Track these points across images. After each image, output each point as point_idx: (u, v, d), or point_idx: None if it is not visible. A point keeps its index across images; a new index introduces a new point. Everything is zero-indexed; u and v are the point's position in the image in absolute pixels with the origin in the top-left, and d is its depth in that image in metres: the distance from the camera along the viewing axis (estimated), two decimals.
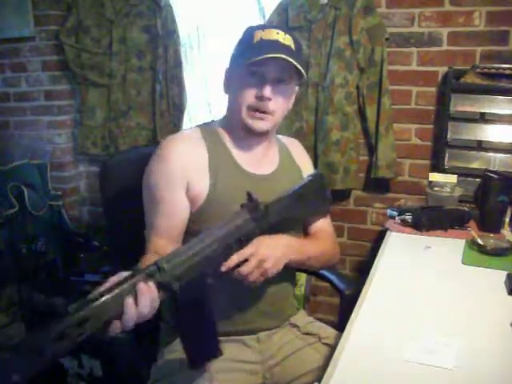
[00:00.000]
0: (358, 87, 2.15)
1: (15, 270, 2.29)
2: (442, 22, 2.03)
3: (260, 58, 1.12)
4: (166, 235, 1.16)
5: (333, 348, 1.17)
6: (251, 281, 1.06)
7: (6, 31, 2.50)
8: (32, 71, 2.55)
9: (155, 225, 1.17)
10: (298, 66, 1.15)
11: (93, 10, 2.40)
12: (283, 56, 1.13)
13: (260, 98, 1.16)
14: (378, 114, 2.13)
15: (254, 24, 1.24)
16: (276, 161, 1.32)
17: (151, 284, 0.85)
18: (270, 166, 1.30)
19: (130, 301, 0.81)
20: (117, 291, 0.79)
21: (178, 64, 2.41)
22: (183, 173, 1.17)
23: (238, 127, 1.23)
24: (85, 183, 2.72)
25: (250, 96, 1.17)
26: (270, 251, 1.08)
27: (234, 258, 1.02)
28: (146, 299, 0.83)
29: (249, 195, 1.07)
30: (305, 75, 1.20)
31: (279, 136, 1.40)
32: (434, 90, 2.10)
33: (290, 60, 1.13)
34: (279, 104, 1.19)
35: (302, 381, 1.23)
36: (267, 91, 1.15)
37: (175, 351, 1.20)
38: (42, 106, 2.58)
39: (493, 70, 1.91)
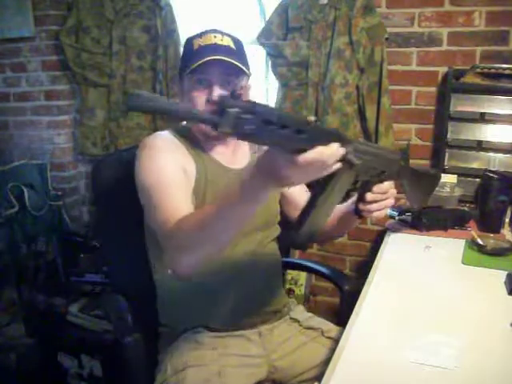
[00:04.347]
0: (357, 87, 2.15)
1: (15, 270, 2.29)
2: (442, 22, 2.03)
3: (198, 62, 1.12)
4: (184, 204, 1.08)
5: (336, 342, 1.17)
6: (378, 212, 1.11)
7: (6, 31, 2.50)
8: (32, 71, 2.56)
9: (173, 199, 1.07)
10: (239, 64, 1.15)
11: (93, 10, 2.40)
12: (220, 57, 1.13)
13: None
14: (378, 114, 2.13)
15: (195, 33, 1.23)
16: (247, 152, 1.32)
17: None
18: (242, 161, 1.29)
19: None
20: None
21: (179, 64, 2.41)
22: (176, 157, 1.17)
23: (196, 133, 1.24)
24: (85, 183, 2.71)
25: (200, 103, 1.16)
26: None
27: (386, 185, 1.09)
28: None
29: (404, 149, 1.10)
30: (248, 72, 1.20)
31: None
32: (433, 90, 2.10)
33: (228, 60, 1.13)
34: None
35: (308, 375, 1.25)
36: (216, 92, 1.14)
37: (179, 352, 1.20)
38: (42, 106, 2.58)
39: (493, 70, 1.91)
